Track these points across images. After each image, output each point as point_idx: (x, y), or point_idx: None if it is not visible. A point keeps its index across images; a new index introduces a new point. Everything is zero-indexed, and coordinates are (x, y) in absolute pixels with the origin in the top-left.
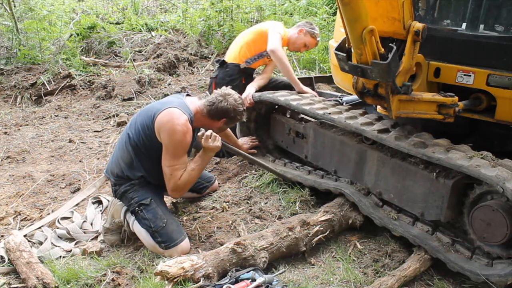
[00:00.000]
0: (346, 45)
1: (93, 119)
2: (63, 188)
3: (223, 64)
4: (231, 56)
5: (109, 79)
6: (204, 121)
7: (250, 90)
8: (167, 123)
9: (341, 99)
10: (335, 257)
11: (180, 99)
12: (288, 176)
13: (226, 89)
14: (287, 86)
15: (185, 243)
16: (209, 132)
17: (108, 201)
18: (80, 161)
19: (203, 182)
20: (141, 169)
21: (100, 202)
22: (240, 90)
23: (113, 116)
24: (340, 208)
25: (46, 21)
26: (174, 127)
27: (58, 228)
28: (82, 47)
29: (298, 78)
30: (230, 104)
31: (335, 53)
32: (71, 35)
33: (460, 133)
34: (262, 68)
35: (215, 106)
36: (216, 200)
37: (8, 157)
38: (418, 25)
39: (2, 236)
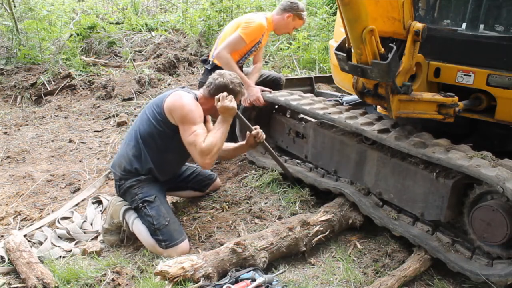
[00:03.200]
0: (346, 45)
1: (93, 119)
2: (63, 188)
3: (215, 68)
4: None
5: (109, 79)
6: (208, 103)
7: (256, 91)
8: (176, 101)
9: (341, 99)
10: (335, 257)
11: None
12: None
13: (218, 70)
14: (276, 81)
15: (185, 244)
16: (225, 93)
17: (108, 201)
18: (80, 161)
19: (205, 179)
20: (149, 162)
21: (100, 202)
22: None
23: (113, 116)
24: (340, 208)
25: (46, 21)
26: (183, 101)
27: (58, 228)
28: (82, 47)
29: (299, 78)
30: (226, 78)
31: (335, 53)
32: (71, 35)
33: (460, 133)
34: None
35: (214, 84)
36: (216, 200)
37: (8, 157)
38: (418, 25)
39: (2, 236)
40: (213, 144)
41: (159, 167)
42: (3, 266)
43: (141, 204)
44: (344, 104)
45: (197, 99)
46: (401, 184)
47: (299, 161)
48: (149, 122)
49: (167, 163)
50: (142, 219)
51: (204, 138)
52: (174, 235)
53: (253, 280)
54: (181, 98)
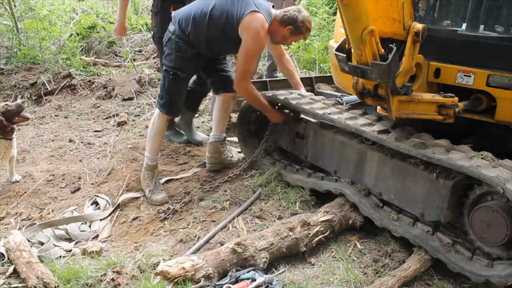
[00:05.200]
0: (346, 45)
1: (93, 119)
2: (63, 188)
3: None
4: None
5: (109, 79)
6: (274, 26)
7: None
8: (253, 28)
9: (341, 99)
10: (335, 257)
11: (265, 3)
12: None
13: (299, 6)
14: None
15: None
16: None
17: (106, 201)
18: (80, 161)
19: (225, 83)
20: (202, 39)
21: (97, 203)
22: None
23: (113, 116)
24: (340, 209)
25: (46, 21)
26: (258, 34)
27: (57, 228)
28: (82, 47)
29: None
30: (302, 16)
31: (335, 54)
32: (71, 34)
33: (460, 134)
34: None
35: (289, 13)
36: (216, 200)
37: None
38: (418, 26)
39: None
40: (251, 93)
41: (206, 47)
42: (3, 266)
43: (171, 72)
44: (344, 104)
45: (270, 23)
46: (401, 184)
47: (297, 168)
48: (221, 16)
49: (217, 51)
50: (163, 78)
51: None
52: (170, 108)
53: (253, 280)
54: (258, 28)
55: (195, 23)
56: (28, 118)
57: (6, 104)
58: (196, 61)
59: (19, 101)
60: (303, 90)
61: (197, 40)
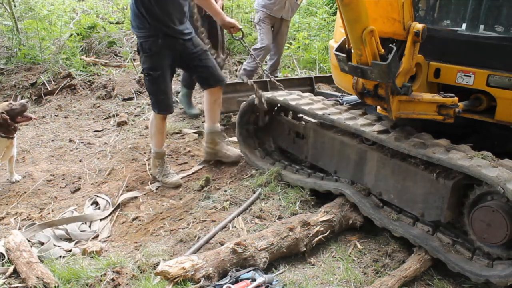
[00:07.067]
0: (346, 45)
1: (93, 119)
2: (63, 188)
3: None
4: None
5: (109, 79)
6: None
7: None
8: None
9: (341, 99)
10: (335, 257)
11: None
12: (288, 181)
13: None
14: None
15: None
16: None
17: (106, 201)
18: (80, 161)
19: (209, 79)
20: (148, 19)
21: (97, 203)
22: None
23: (113, 116)
24: (340, 209)
25: (46, 21)
26: None
27: (57, 228)
28: (82, 47)
29: (299, 78)
30: None
31: (335, 54)
32: (71, 34)
33: (460, 134)
34: None
35: None
36: (216, 200)
37: None
38: (418, 26)
39: (5, 237)
40: None
41: (163, 26)
42: (3, 265)
43: (146, 74)
44: (344, 104)
45: None
46: (401, 184)
47: (297, 168)
48: None
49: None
50: (145, 82)
51: None
52: (160, 107)
53: (253, 280)
54: None
55: (134, 13)
56: (30, 118)
57: (11, 103)
58: (163, 55)
59: (23, 100)
60: (226, 18)
61: (146, 25)
